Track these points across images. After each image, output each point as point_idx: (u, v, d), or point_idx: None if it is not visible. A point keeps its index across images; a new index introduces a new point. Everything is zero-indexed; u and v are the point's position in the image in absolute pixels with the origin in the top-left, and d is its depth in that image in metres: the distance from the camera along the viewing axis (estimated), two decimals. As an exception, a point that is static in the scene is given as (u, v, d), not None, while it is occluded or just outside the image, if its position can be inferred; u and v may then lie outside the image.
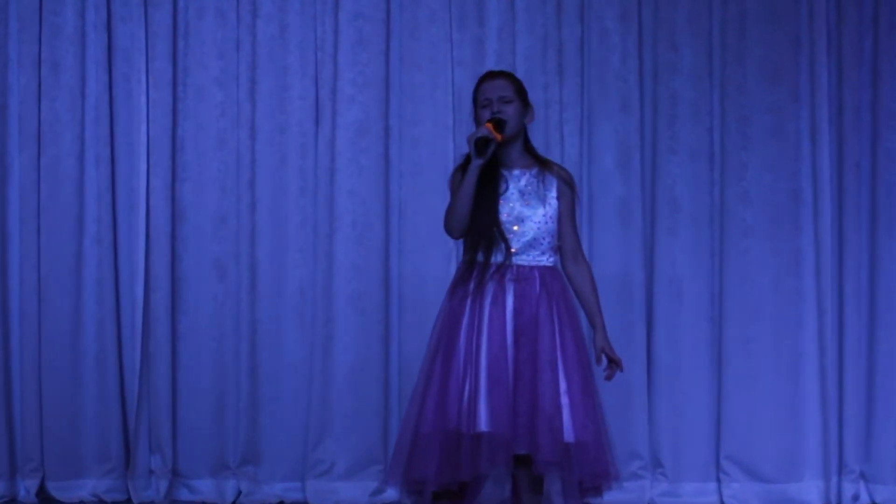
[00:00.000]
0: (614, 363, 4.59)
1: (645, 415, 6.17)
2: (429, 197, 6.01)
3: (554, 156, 5.95)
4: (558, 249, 4.60)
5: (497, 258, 4.52)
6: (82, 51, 6.07)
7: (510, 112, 4.55)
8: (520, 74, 5.84)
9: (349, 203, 6.13)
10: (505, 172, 4.58)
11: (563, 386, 4.44)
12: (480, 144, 4.45)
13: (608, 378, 4.59)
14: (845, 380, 6.22)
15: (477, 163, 4.46)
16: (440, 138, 6.13)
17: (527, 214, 4.55)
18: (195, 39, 6.13)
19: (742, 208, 6.20)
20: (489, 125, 4.47)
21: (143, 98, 6.08)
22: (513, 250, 4.53)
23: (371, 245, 6.13)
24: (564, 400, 4.42)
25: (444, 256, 6.07)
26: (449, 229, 4.55)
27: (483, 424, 4.37)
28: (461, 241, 4.66)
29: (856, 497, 6.20)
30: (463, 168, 4.55)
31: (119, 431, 6.08)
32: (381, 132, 6.15)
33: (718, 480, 6.21)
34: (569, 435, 4.41)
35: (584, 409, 4.45)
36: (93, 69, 6.06)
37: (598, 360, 4.56)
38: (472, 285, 4.51)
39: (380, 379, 6.12)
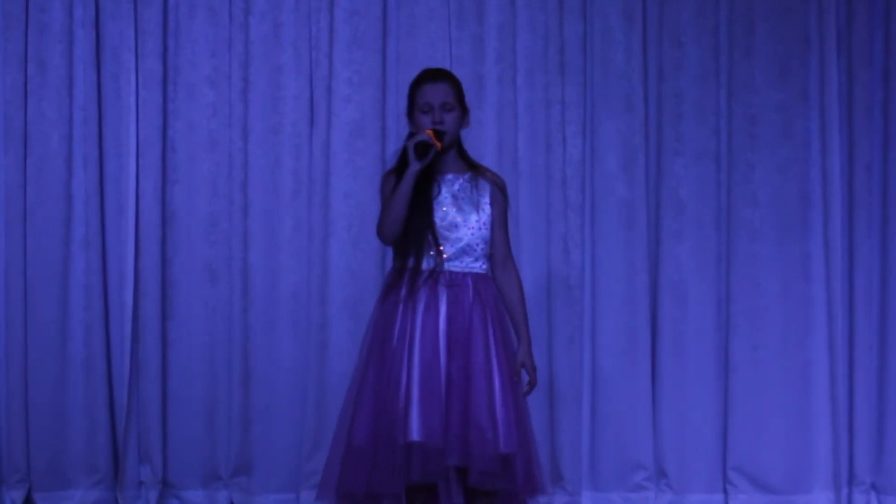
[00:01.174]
0: (530, 381, 4.55)
1: (649, 424, 6.13)
2: None
3: (556, 157, 6.10)
4: (490, 257, 4.58)
5: (429, 264, 4.50)
6: (70, 49, 6.01)
7: (451, 121, 4.53)
8: (521, 73, 6.07)
9: (345, 206, 6.08)
10: (438, 177, 4.56)
11: (498, 397, 4.42)
12: (421, 149, 4.43)
13: (525, 395, 4.55)
14: (856, 388, 6.18)
15: (416, 167, 4.44)
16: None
17: (460, 220, 4.54)
18: (186, 37, 6.07)
19: (749, 211, 6.18)
20: (430, 132, 4.45)
21: (133, 98, 6.04)
22: (445, 256, 4.51)
23: (367, 249, 6.06)
24: (500, 411, 4.40)
25: None
26: (382, 235, 4.54)
27: (415, 434, 4.34)
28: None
29: (866, 509, 6.18)
30: (396, 171, 4.53)
31: (107, 441, 6.02)
32: (377, 133, 6.10)
33: (725, 492, 6.17)
34: (505, 446, 4.37)
35: (518, 421, 4.43)
36: (81, 68, 6.00)
37: (518, 374, 4.52)
38: (403, 292, 4.49)
39: None
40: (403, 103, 5.65)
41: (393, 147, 6.01)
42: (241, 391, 6.06)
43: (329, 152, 6.08)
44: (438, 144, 4.44)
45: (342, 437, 4.47)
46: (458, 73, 5.71)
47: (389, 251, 5.69)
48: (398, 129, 6.04)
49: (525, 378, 4.55)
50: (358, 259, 6.07)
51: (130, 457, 6.01)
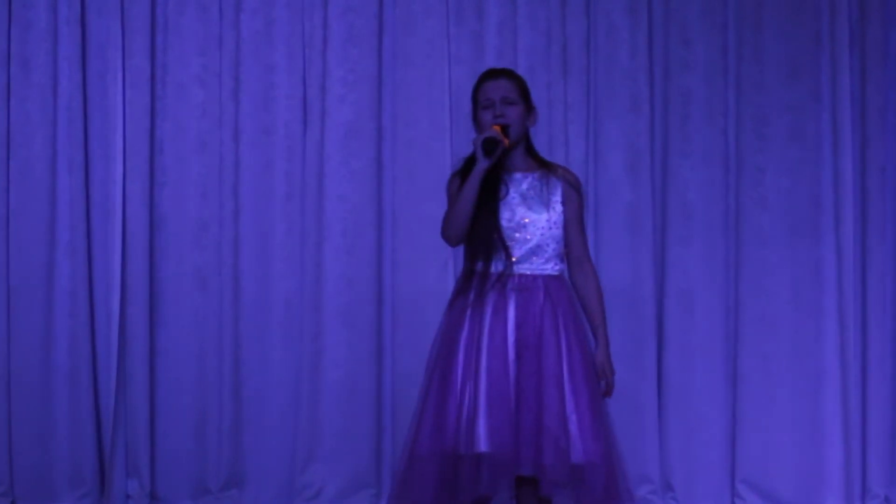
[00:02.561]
0: (607, 385, 4.51)
1: (655, 436, 6.08)
2: (424, 203, 5.93)
3: (558, 159, 6.00)
4: (565, 257, 4.53)
5: (497, 267, 4.45)
6: (54, 47, 5.96)
7: (514, 115, 4.50)
8: (521, 72, 5.91)
9: (339, 210, 6.03)
10: (505, 176, 4.51)
11: (570, 404, 4.38)
12: (489, 145, 4.39)
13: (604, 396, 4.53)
14: (869, 398, 6.13)
15: (483, 165, 4.39)
16: (436, 140, 6.03)
17: (529, 220, 4.49)
18: (175, 35, 6.04)
19: (759, 215, 6.12)
20: (497, 128, 4.43)
21: (120, 97, 5.99)
22: (514, 258, 4.46)
23: (362, 255, 6.03)
24: (573, 418, 4.36)
25: (440, 267, 5.98)
26: (447, 236, 4.48)
27: (483, 444, 4.31)
28: (460, 251, 4.58)
29: (880, 522, 6.14)
30: (462, 172, 4.49)
31: (93, 453, 5.97)
32: (373, 133, 6.05)
33: (733, 505, 6.14)
34: (578, 455, 4.34)
35: (594, 428, 4.37)
36: (65, 66, 5.96)
37: (599, 378, 4.47)
38: (471, 296, 4.45)
39: (372, 397, 6.02)
40: (400, 103, 6.06)
41: (389, 149, 6.04)
42: (231, 402, 6.00)
43: (323, 154, 6.02)
44: (506, 141, 4.42)
45: (407, 448, 4.46)
46: (455, 71, 6.05)
47: (385, 258, 6.07)
48: (394, 130, 6.03)
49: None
50: (353, 265, 6.02)
51: (117, 469, 5.96)
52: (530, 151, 4.58)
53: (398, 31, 6.05)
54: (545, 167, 4.56)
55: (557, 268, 4.50)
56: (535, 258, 4.47)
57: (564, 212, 4.50)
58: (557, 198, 4.51)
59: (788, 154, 6.12)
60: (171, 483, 5.99)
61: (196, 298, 6.01)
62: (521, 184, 4.51)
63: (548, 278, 4.47)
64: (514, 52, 6.06)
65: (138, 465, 5.95)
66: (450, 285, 5.71)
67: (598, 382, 4.47)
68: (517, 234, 4.46)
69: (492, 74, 4.58)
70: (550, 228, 4.48)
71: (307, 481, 5.95)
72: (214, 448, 5.99)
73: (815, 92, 6.11)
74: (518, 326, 4.41)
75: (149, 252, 5.98)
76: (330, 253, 6.00)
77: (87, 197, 5.96)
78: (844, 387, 6.07)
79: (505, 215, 4.46)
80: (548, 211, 4.49)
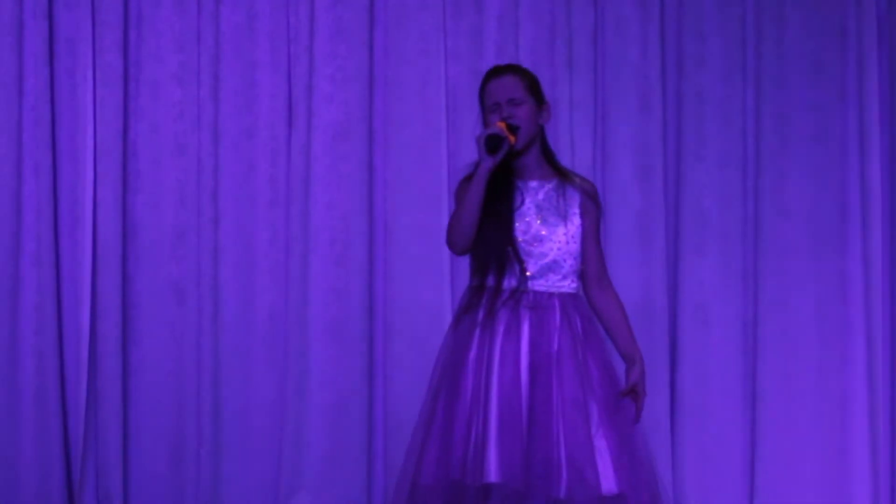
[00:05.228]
0: (638, 407, 4.29)
1: (668, 458, 6.00)
2: (418, 211, 5.95)
3: (563, 162, 5.98)
4: (581, 274, 4.35)
5: (510, 283, 4.29)
6: (19, 42, 5.92)
7: (522, 116, 4.31)
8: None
9: (327, 217, 5.98)
10: (520, 184, 4.36)
11: (597, 431, 4.20)
12: (492, 142, 4.22)
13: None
14: None
15: (487, 164, 4.21)
16: (431, 143, 5.99)
17: (546, 233, 4.32)
18: (150, 29, 6.00)
19: (779, 223, 6.06)
20: (501, 124, 4.25)
21: (90, 97, 5.95)
22: (528, 274, 4.28)
23: (352, 266, 5.97)
24: (601, 446, 4.18)
25: (437, 279, 5.96)
26: (451, 242, 4.31)
27: (493, 475, 4.15)
28: (460, 263, 4.56)
29: (909, 555, 6.08)
30: (473, 178, 4.33)
31: (62, 479, 5.88)
32: (363, 135, 5.98)
33: (752, 534, 6.08)
34: (609, 486, 4.15)
35: (627, 456, 4.20)
36: (31, 63, 5.91)
37: (624, 394, 4.26)
38: (480, 314, 4.28)
39: (362, 420, 5.95)
40: (393, 102, 6.02)
41: (381, 152, 6.01)
42: (211, 424, 5.94)
43: (309, 157, 5.97)
44: (512, 138, 4.25)
45: (408, 475, 4.31)
46: (452, 68, 6.03)
47: (377, 270, 6.02)
48: (386, 131, 6.00)
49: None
50: (342, 277, 5.96)
51: (87, 496, 5.90)
52: (547, 156, 4.41)
53: (390, 25, 6.00)
54: (562, 175, 4.40)
55: (574, 285, 4.33)
56: (551, 274, 4.29)
57: (582, 225, 4.34)
58: (575, 209, 4.35)
59: (812, 157, 6.06)
60: (145, 511, 5.96)
61: (172, 313, 5.97)
62: (537, 193, 4.34)
63: (564, 296, 4.30)
64: (515, 48, 6.00)
65: (109, 491, 5.88)
66: (447, 298, 5.79)
67: (627, 404, 4.28)
68: (533, 248, 4.30)
69: (495, 72, 4.41)
70: (568, 243, 4.31)
71: (293, 510, 5.93)
72: (192, 473, 5.92)
73: (840, 90, 6.06)
74: (532, 347, 4.24)
75: (121, 263, 5.93)
76: (317, 264, 5.94)
77: (55, 203, 5.91)
78: (872, 409, 6.00)
79: (520, 227, 4.30)
80: (565, 224, 4.32)
